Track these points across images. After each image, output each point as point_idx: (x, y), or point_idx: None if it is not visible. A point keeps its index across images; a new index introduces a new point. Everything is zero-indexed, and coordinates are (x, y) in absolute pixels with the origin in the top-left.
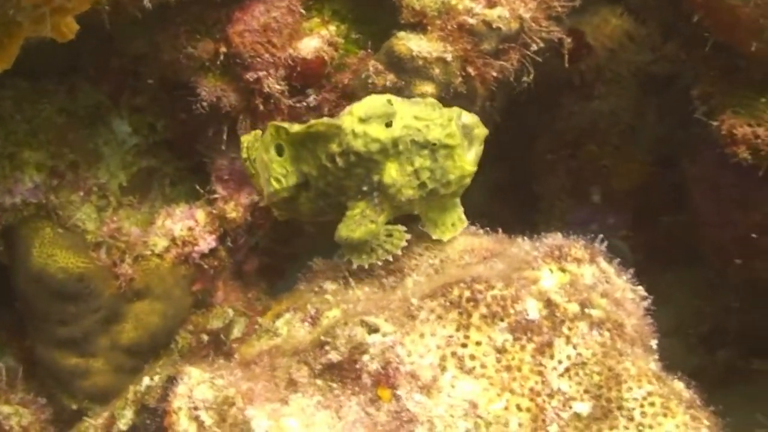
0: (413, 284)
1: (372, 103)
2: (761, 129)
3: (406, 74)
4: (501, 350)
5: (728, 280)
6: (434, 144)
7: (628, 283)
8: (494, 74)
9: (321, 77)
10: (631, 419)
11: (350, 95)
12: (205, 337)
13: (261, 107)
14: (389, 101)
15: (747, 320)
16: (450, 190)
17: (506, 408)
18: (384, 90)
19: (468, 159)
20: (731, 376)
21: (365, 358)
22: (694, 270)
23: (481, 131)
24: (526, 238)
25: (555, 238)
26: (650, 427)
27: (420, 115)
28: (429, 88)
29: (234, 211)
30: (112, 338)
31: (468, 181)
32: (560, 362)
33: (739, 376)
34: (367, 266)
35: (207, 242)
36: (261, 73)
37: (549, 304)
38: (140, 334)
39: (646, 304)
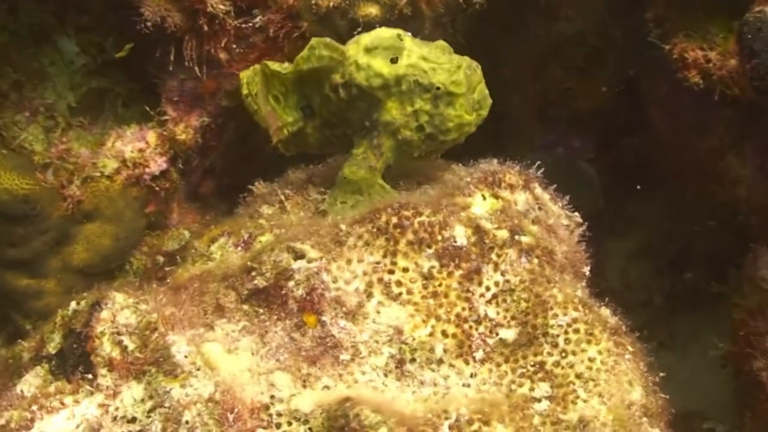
0: (350, 208)
1: (381, 34)
2: (713, 53)
3: None
4: (428, 277)
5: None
6: (438, 88)
7: (563, 209)
8: None
9: None
10: (555, 345)
11: (295, 16)
12: (161, 259)
13: (206, 28)
14: (399, 36)
15: (711, 243)
16: (449, 137)
17: (431, 334)
18: (328, 11)
19: (468, 109)
20: (700, 297)
21: (290, 284)
22: (663, 192)
23: (479, 77)
24: (461, 164)
25: (490, 164)
26: (573, 353)
27: (428, 57)
28: (373, 9)
29: (184, 132)
30: (64, 260)
31: (468, 129)
32: (488, 289)
33: (708, 297)
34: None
35: (158, 164)
36: None
37: (478, 230)
38: (92, 256)
39: (581, 230)
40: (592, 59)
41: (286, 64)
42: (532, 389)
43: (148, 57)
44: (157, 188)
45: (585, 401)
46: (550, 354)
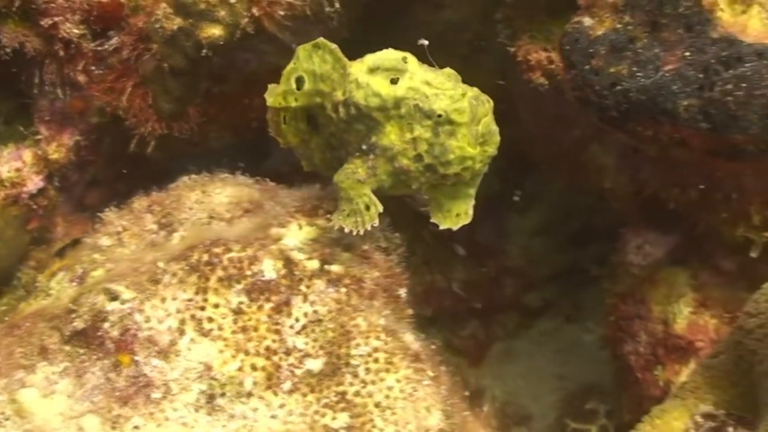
0: (180, 240)
1: (386, 56)
2: (555, 54)
3: (192, 17)
4: (237, 312)
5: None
6: (439, 116)
7: (383, 231)
8: (282, 13)
9: (120, 19)
10: (355, 375)
11: (146, 38)
12: None
13: (62, 52)
14: (404, 58)
15: (610, 217)
16: (450, 170)
17: (241, 368)
18: (173, 33)
19: (472, 141)
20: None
21: (106, 325)
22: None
23: (483, 110)
24: (285, 190)
25: (311, 190)
26: (373, 382)
27: (432, 82)
28: (216, 30)
29: (56, 152)
30: None
31: (471, 165)
32: (297, 320)
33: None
34: (337, 227)
35: (35, 183)
36: (57, 18)
37: (288, 262)
38: None
39: (401, 251)
40: (476, 47)
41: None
42: (333, 419)
43: (17, 79)
44: (35, 206)
45: (381, 430)
46: (351, 384)
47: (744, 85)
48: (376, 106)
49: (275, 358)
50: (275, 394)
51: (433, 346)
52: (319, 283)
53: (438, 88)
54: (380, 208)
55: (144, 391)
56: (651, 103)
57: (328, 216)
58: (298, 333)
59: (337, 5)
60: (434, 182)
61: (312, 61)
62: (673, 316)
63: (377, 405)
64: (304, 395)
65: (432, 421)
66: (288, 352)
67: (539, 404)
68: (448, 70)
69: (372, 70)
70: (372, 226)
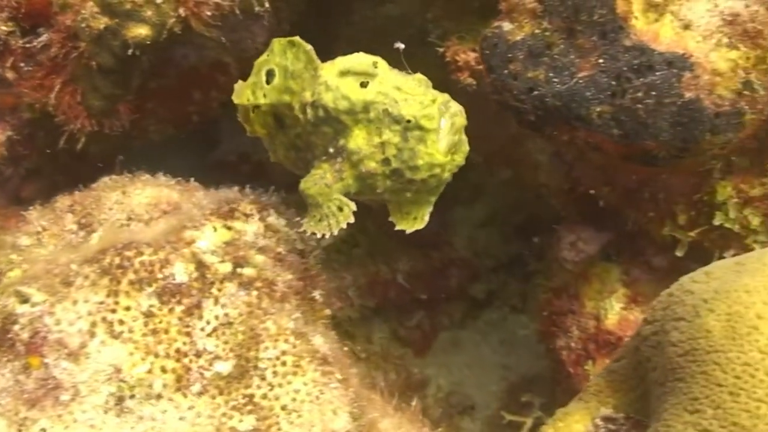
0: (98, 241)
1: (356, 59)
2: None
3: (118, 17)
4: (148, 314)
5: None
6: (408, 121)
7: (300, 233)
8: (209, 13)
9: (48, 17)
10: (263, 378)
11: (74, 36)
12: None
13: None
14: (375, 63)
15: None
16: (418, 176)
17: (150, 371)
18: (99, 33)
19: (441, 148)
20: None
21: (16, 327)
22: None
23: (459, 120)
24: (203, 191)
25: (229, 192)
26: (280, 385)
27: (402, 87)
28: (143, 30)
29: None
30: None
31: (439, 172)
32: (208, 323)
33: None
34: (309, 233)
35: None
36: None
37: (201, 265)
38: None
39: (317, 253)
40: (416, 40)
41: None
42: (240, 421)
43: None
44: None
45: None
46: (259, 387)
47: (654, 93)
48: (345, 109)
49: (185, 360)
50: (184, 396)
51: (345, 348)
52: (231, 286)
53: (408, 93)
54: (353, 207)
55: (53, 394)
56: (565, 108)
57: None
58: (209, 335)
59: (267, 4)
60: (399, 187)
61: (285, 57)
62: (604, 312)
63: (284, 408)
64: (213, 397)
65: (338, 423)
66: (198, 355)
67: (483, 394)
68: (419, 75)
69: (342, 73)
70: (348, 224)
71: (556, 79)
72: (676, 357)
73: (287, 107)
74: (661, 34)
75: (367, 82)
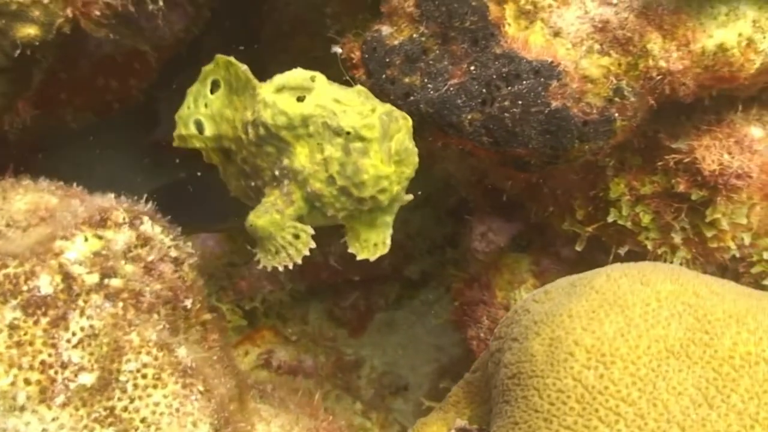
0: None
1: (293, 75)
2: None
3: (4, 17)
4: (12, 327)
5: None
6: (348, 132)
7: (175, 240)
8: (98, 12)
9: None
10: (124, 391)
11: None
12: None
13: None
14: (312, 78)
15: None
16: (365, 193)
17: (14, 383)
18: None
19: (384, 158)
20: None
21: None
22: None
23: (404, 128)
24: (79, 199)
25: (104, 200)
26: (140, 398)
27: (341, 99)
28: (32, 30)
29: None
30: None
31: (388, 186)
32: (74, 334)
33: None
34: (270, 268)
35: None
36: None
37: (67, 277)
38: None
39: (192, 261)
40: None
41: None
42: None
43: None
44: None
45: None
46: (120, 399)
47: (520, 102)
48: (283, 124)
49: (51, 372)
50: (49, 407)
51: (215, 357)
52: (96, 298)
53: (346, 104)
54: (310, 231)
55: None
56: (438, 115)
57: (113, 225)
58: (75, 347)
59: (161, 3)
60: (351, 208)
61: (228, 72)
62: (514, 302)
63: (143, 420)
64: (77, 409)
65: None
66: (64, 366)
67: (416, 374)
68: (358, 87)
69: (279, 89)
70: (309, 250)
71: (430, 86)
72: (506, 379)
73: (230, 129)
74: (531, 42)
75: (304, 96)
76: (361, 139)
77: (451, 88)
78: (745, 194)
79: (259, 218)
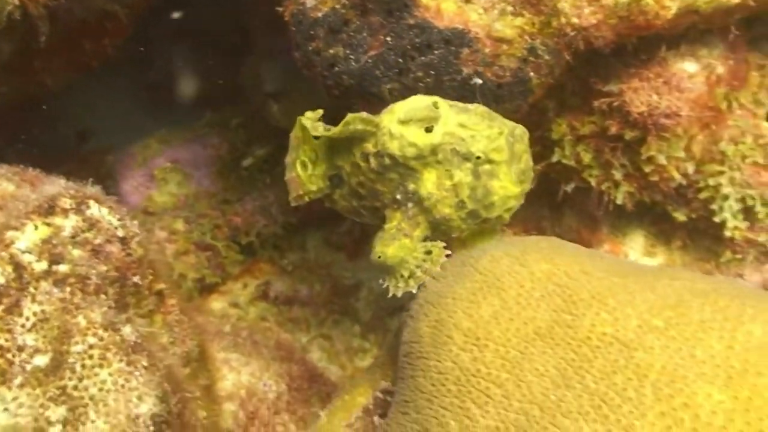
0: None
1: (415, 104)
2: None
3: None
4: None
5: None
6: (478, 157)
7: (122, 220)
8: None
9: None
10: (74, 371)
11: None
12: None
13: None
14: (435, 104)
15: None
16: (493, 213)
17: None
18: None
19: (513, 179)
20: None
21: None
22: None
23: (525, 144)
24: (31, 186)
25: (53, 186)
26: (88, 377)
27: (466, 124)
28: None
29: None
30: None
31: (513, 205)
32: (28, 319)
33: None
34: (401, 294)
35: None
36: None
37: (18, 266)
38: None
39: (139, 239)
40: None
41: (322, 127)
42: (54, 412)
43: None
44: None
45: (93, 422)
46: (70, 379)
47: (433, 72)
48: (413, 155)
49: (8, 356)
50: (9, 389)
51: (174, 320)
52: (45, 285)
53: (473, 129)
54: (441, 243)
55: None
56: (359, 86)
57: (61, 212)
58: (29, 331)
59: None
60: (474, 228)
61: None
62: None
63: (92, 398)
64: (33, 388)
65: (143, 408)
66: (20, 349)
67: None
68: (481, 108)
69: (403, 122)
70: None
71: (352, 57)
72: (402, 356)
73: (347, 153)
74: (443, 9)
75: (432, 126)
76: (491, 162)
77: (370, 60)
78: (681, 129)
79: (388, 246)
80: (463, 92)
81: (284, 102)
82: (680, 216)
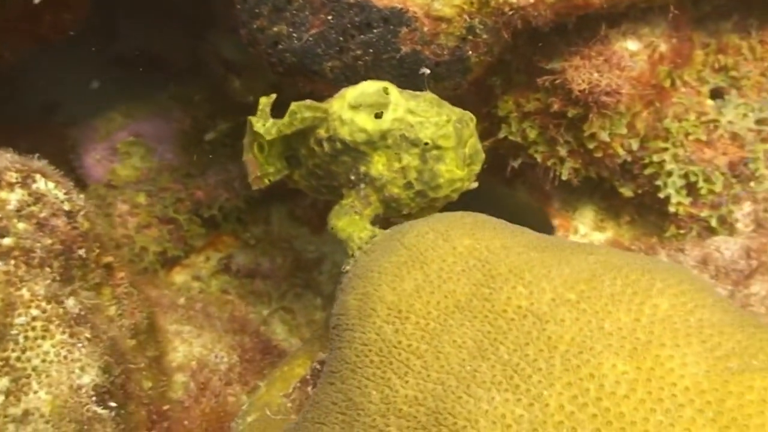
0: None
1: (365, 89)
2: None
3: None
4: None
5: None
6: (426, 144)
7: (69, 193)
8: None
9: None
10: (17, 343)
11: None
12: None
13: None
14: (385, 89)
15: None
16: (440, 193)
17: None
18: None
19: (459, 163)
20: None
21: None
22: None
23: (473, 131)
24: None
25: (0, 160)
26: (31, 349)
27: (415, 110)
28: None
29: None
30: None
31: (460, 186)
32: None
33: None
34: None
35: None
36: None
37: None
38: None
39: (85, 211)
40: None
41: (269, 124)
42: None
43: None
44: None
45: (35, 392)
46: (14, 350)
47: (371, 50)
48: (363, 140)
49: None
50: None
51: (123, 293)
52: None
53: (422, 116)
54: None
55: None
56: (301, 64)
57: (7, 186)
58: None
59: None
60: (425, 206)
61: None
62: None
63: (34, 369)
64: None
65: (85, 379)
66: None
67: None
68: (429, 95)
69: (353, 107)
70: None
71: (294, 35)
72: (331, 328)
73: (301, 138)
74: None
75: (381, 112)
76: (438, 148)
77: (311, 38)
78: (623, 106)
79: (340, 220)
80: (401, 70)
81: (245, 77)
82: (627, 191)
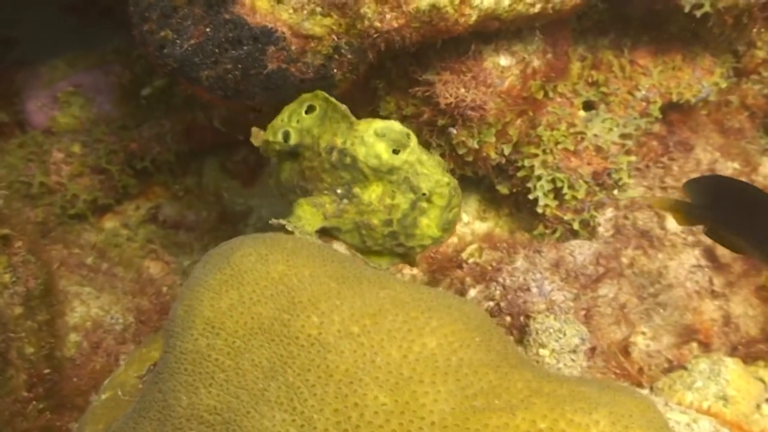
0: None
1: (393, 126)
2: None
3: None
4: None
5: None
6: (424, 194)
7: None
8: None
9: None
10: None
11: None
12: None
13: None
14: (408, 135)
15: None
16: (410, 243)
17: None
18: None
19: (440, 224)
20: None
21: None
22: None
23: (458, 202)
24: None
25: None
26: None
27: (425, 163)
28: None
29: None
30: None
31: (428, 243)
32: None
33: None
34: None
35: None
36: None
37: None
38: None
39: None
40: None
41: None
42: None
43: None
44: None
45: None
46: None
47: (240, 66)
48: (373, 166)
49: None
50: None
51: (19, 261)
52: None
53: (428, 170)
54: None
55: None
56: (181, 70)
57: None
58: None
59: None
60: (387, 247)
61: (327, 102)
62: None
63: None
64: None
65: None
66: None
67: None
68: (438, 157)
69: (378, 135)
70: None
71: (178, 41)
72: (165, 331)
73: (310, 140)
74: (257, 7)
75: (399, 150)
76: (430, 202)
77: (190, 48)
78: (492, 117)
79: (308, 205)
80: (268, 84)
81: None
82: (503, 189)
